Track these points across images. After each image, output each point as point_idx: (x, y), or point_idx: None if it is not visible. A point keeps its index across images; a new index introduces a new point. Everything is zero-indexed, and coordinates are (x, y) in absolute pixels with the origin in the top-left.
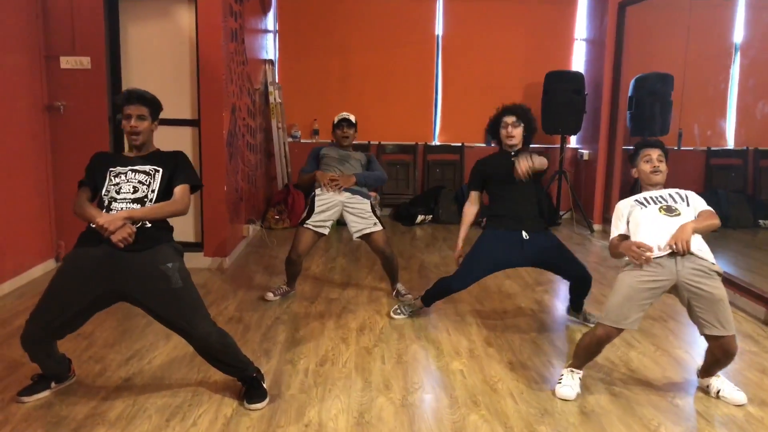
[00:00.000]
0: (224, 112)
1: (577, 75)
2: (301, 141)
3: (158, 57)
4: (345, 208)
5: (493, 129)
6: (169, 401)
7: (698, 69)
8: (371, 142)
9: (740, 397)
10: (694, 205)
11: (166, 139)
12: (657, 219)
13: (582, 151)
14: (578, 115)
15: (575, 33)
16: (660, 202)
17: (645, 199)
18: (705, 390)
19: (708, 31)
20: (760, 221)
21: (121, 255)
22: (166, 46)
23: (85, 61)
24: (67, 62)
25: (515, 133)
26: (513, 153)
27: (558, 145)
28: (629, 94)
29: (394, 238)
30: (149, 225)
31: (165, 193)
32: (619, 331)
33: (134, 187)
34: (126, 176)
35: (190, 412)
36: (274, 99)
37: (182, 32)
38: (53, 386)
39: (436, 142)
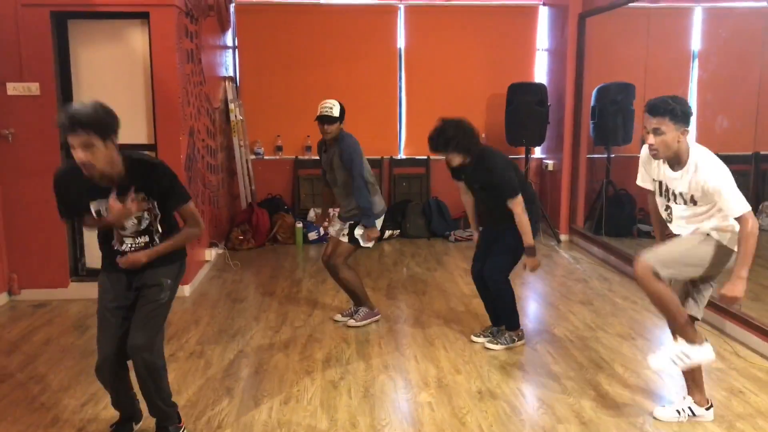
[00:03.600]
0: (181, 136)
1: (540, 86)
2: (265, 158)
3: (111, 81)
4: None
5: None
6: None
7: (659, 77)
8: None
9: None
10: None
11: None
12: None
13: (546, 161)
14: (542, 126)
15: (537, 44)
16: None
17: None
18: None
19: (667, 40)
20: None
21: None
22: (120, 69)
23: (33, 87)
24: (14, 89)
25: (448, 161)
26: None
27: (523, 156)
28: (592, 104)
29: (361, 255)
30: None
31: (167, 216)
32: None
33: (137, 218)
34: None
35: None
36: (236, 116)
37: (136, 55)
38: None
39: (402, 156)
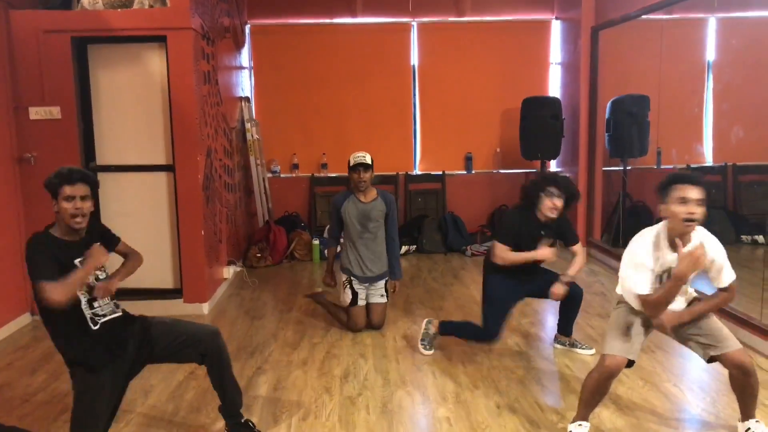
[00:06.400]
0: (199, 156)
1: (554, 100)
2: (281, 176)
3: (130, 103)
4: (368, 290)
5: (532, 193)
6: None
7: (673, 88)
8: None
9: None
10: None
11: (143, 186)
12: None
13: (562, 174)
14: (557, 139)
15: (550, 58)
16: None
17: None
18: None
19: (681, 52)
20: (742, 237)
21: (126, 347)
22: (138, 91)
23: (54, 111)
24: (36, 113)
25: (560, 204)
26: (544, 229)
27: (537, 170)
28: (606, 117)
29: None
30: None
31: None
32: (625, 361)
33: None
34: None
35: None
36: (252, 136)
37: (154, 77)
38: None
39: (417, 172)
